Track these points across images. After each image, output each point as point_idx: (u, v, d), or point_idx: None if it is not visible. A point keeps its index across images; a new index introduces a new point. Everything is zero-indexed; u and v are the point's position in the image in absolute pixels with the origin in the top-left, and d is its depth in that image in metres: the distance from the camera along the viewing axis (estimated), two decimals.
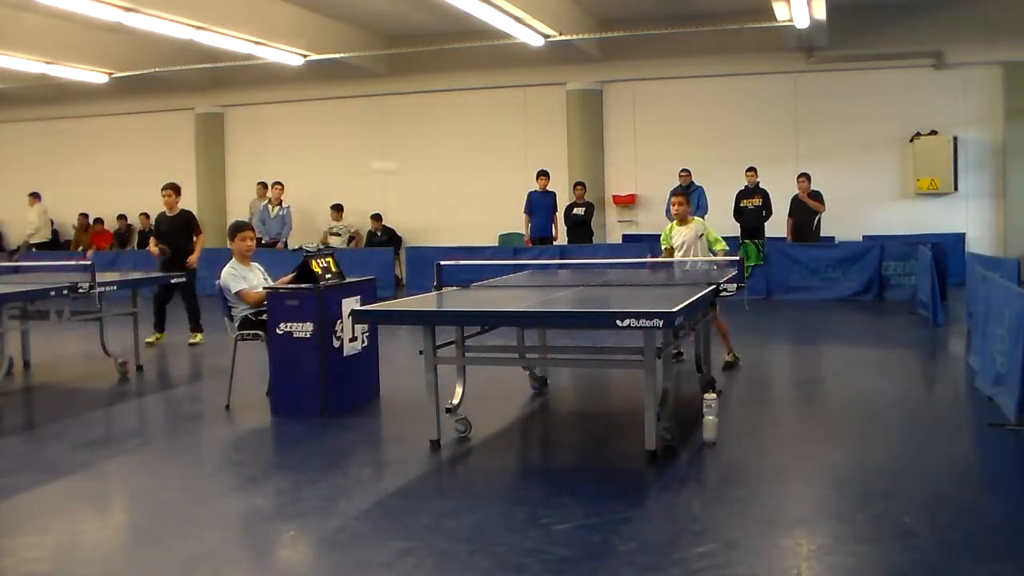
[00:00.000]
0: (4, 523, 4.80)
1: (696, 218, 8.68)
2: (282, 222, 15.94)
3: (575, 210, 15.67)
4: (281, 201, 15.99)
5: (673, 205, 8.50)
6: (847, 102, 16.08)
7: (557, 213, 15.79)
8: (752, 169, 14.60)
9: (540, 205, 15.70)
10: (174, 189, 10.88)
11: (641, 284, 7.68)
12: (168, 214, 10.84)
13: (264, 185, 16.47)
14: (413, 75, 17.59)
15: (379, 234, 17.79)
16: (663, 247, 8.60)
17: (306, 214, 17.71)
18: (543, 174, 15.70)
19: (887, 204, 15.99)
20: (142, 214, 18.71)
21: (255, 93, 18.69)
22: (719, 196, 14.79)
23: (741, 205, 14.52)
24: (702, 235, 8.34)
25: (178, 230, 10.75)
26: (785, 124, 16.37)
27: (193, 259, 10.70)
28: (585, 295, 7.20)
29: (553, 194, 15.76)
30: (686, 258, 8.27)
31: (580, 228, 15.67)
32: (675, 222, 8.50)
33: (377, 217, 17.87)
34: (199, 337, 10.67)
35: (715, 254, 8.32)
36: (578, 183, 15.91)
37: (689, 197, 14.59)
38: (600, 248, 15.35)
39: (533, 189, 15.72)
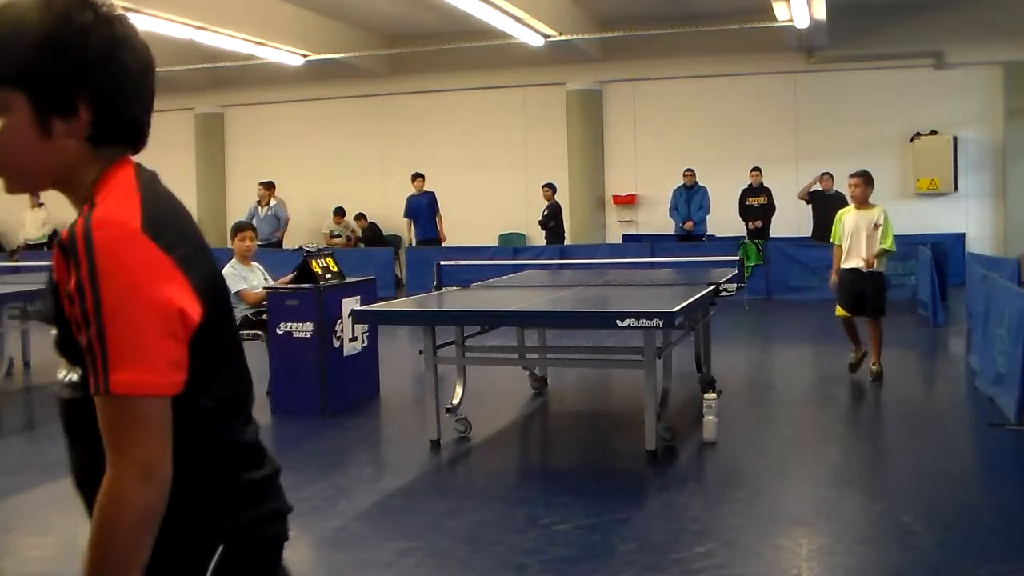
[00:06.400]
0: (4, 523, 4.80)
1: (878, 205, 7.76)
2: (275, 222, 15.74)
3: (544, 212, 15.72)
4: (270, 201, 15.81)
5: (851, 187, 7.78)
6: (847, 102, 16.07)
7: (439, 213, 15.96)
8: (756, 169, 14.66)
9: (420, 207, 15.82)
10: None
11: (641, 284, 7.68)
12: None
13: (263, 185, 16.28)
14: (413, 75, 17.57)
15: (364, 231, 17.76)
16: (836, 242, 7.77)
17: (306, 214, 17.70)
18: (418, 176, 15.88)
19: (887, 204, 15.77)
20: None
21: (255, 93, 18.67)
22: (719, 196, 14.82)
23: (747, 204, 14.61)
24: (879, 225, 7.50)
25: None
26: (785, 124, 16.35)
27: None
28: (585, 295, 7.21)
29: (431, 194, 15.88)
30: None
31: (546, 229, 15.71)
32: (851, 207, 7.74)
33: (361, 216, 17.85)
34: None
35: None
36: (545, 185, 15.82)
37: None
38: (600, 248, 15.35)
39: (411, 193, 15.88)
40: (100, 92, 1.37)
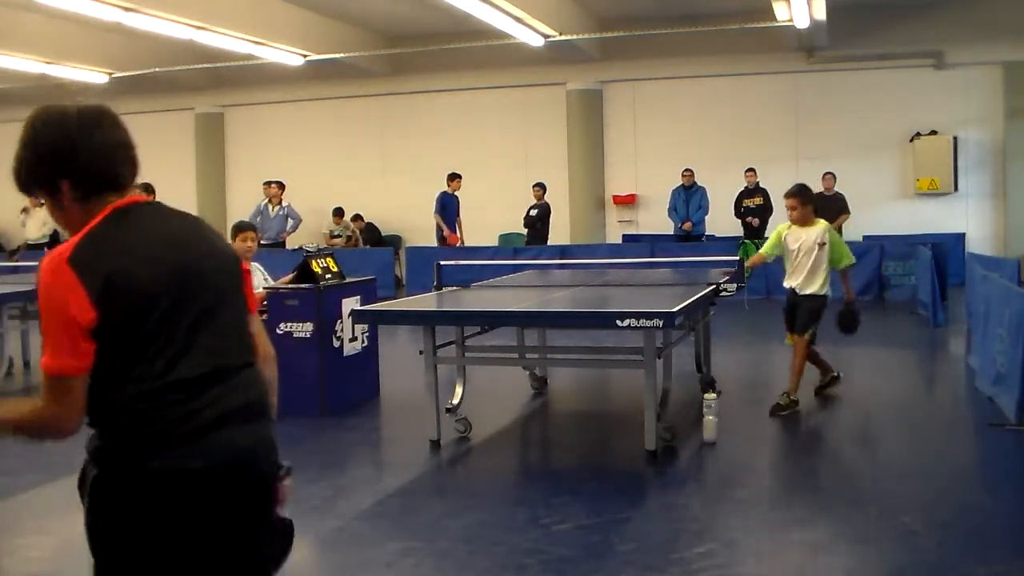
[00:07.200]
0: (4, 523, 4.80)
1: (821, 221, 6.95)
2: (283, 221, 15.80)
3: (531, 211, 15.65)
4: (281, 200, 15.89)
5: (788, 209, 6.90)
6: (847, 102, 16.07)
7: (459, 217, 15.82)
8: (751, 170, 14.65)
9: (453, 207, 15.69)
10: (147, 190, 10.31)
11: (641, 284, 7.68)
12: None
13: (272, 184, 16.26)
14: (413, 75, 17.58)
15: (361, 232, 17.74)
16: (763, 253, 7.16)
17: (306, 214, 17.68)
18: (456, 176, 15.65)
19: (887, 204, 15.98)
20: None
21: (255, 93, 18.67)
22: (719, 196, 14.83)
23: (744, 205, 14.61)
24: (824, 244, 6.73)
25: None
26: (785, 124, 16.36)
27: None
28: (585, 295, 7.20)
29: (457, 198, 15.80)
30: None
31: (532, 229, 15.65)
32: (791, 225, 6.92)
33: (358, 217, 17.82)
34: None
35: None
36: (536, 184, 15.74)
37: (691, 198, 14.81)
38: (600, 248, 15.34)
39: (444, 190, 15.67)
40: (74, 172, 2.00)
